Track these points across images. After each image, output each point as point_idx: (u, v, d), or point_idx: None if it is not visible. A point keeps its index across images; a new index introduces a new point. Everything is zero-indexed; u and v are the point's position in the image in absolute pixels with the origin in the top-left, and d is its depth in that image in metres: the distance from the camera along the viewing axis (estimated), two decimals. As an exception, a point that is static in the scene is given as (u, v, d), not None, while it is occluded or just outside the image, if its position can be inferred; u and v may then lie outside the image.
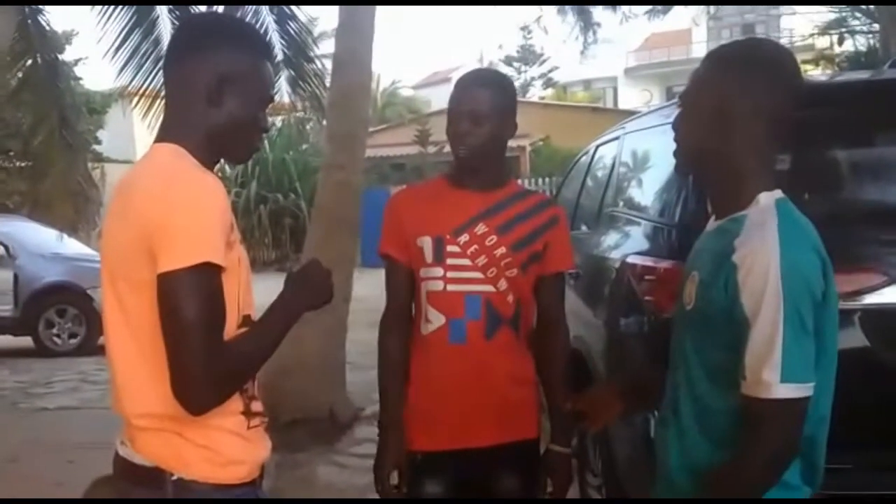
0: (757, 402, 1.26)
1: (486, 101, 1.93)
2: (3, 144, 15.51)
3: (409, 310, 2.06)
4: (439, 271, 1.96)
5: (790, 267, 1.24)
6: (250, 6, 7.41)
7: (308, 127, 16.72)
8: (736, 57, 1.41)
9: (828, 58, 9.48)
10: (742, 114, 1.35)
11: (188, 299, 1.21)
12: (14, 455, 4.57)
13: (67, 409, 5.93)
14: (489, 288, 1.95)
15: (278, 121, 17.29)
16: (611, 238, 3.26)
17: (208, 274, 1.23)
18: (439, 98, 29.49)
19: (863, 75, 3.89)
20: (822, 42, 10.61)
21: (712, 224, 1.47)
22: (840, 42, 9.05)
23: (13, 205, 15.58)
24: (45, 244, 8.81)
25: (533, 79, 30.70)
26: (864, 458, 2.14)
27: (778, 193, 1.37)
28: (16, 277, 8.48)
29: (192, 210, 1.24)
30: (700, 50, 28.08)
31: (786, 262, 1.24)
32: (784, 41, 12.57)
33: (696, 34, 26.42)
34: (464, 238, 1.95)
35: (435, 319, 1.98)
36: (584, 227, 3.92)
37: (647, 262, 2.58)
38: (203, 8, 7.08)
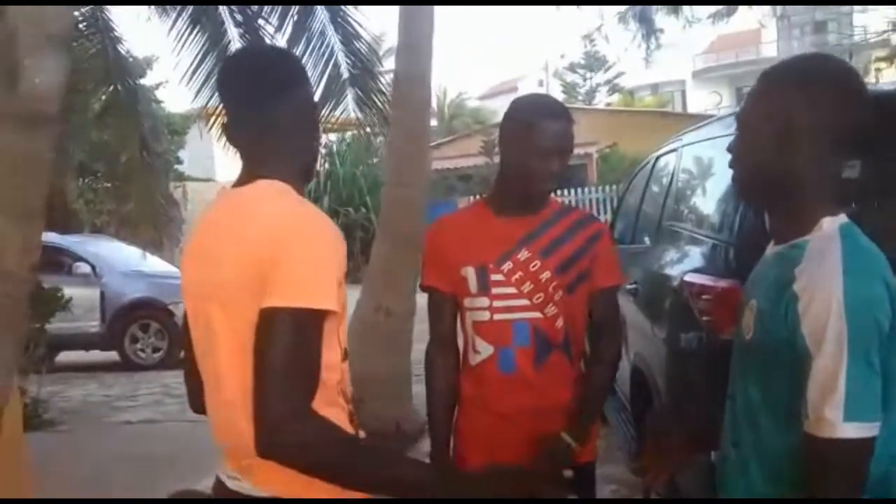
0: (819, 442, 1.18)
1: (570, 135, 1.95)
2: (91, 166, 16.27)
3: (455, 338, 2.07)
4: (485, 301, 1.95)
5: (855, 298, 1.17)
6: (317, 29, 7.66)
7: (378, 141, 17.04)
8: (797, 74, 1.33)
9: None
10: (806, 133, 1.28)
11: (286, 340, 1.20)
12: (101, 468, 4.78)
13: (150, 422, 6.19)
14: (537, 314, 1.94)
15: (348, 136, 17.66)
16: (670, 253, 3.25)
17: (312, 320, 1.23)
18: (505, 108, 29.28)
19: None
20: (899, 38, 10.22)
21: (772, 249, 1.40)
22: (918, 38, 8.73)
23: (100, 224, 16.33)
24: (128, 262, 9.24)
25: (599, 85, 30.36)
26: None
27: (843, 218, 1.29)
28: (102, 295, 8.90)
29: (314, 254, 1.26)
30: (770, 50, 27.29)
31: (850, 293, 1.17)
32: (857, 39, 12.12)
33: (765, 34, 25.69)
34: (507, 266, 1.94)
35: (483, 350, 1.98)
36: (646, 240, 3.90)
37: (705, 280, 2.56)
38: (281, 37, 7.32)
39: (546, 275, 1.94)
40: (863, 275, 1.20)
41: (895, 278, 1.23)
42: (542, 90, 30.49)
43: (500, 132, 2.00)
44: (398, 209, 5.64)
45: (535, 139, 1.90)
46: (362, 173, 17.26)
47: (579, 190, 17.13)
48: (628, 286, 3.67)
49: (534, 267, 1.94)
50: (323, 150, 18.24)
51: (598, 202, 16.38)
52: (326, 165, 18.03)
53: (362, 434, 1.39)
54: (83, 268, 8.99)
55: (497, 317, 1.95)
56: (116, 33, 7.93)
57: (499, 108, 28.96)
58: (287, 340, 1.20)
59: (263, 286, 1.24)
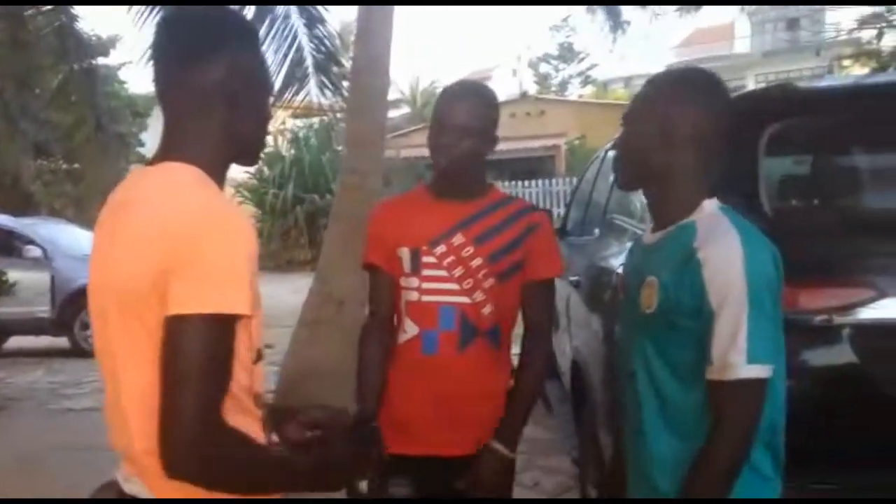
0: (724, 385, 1.38)
1: (470, 114, 1.94)
2: (49, 147, 15.96)
3: (392, 319, 2.07)
4: (415, 282, 1.98)
5: (753, 259, 1.38)
6: (280, 11, 7.52)
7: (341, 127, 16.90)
8: (675, 82, 1.57)
9: (868, 53, 9.21)
10: (683, 131, 1.50)
11: (198, 348, 1.10)
12: (36, 455, 4.69)
13: (92, 410, 6.06)
14: (464, 299, 1.95)
15: (315, 122, 17.50)
16: (611, 246, 3.22)
17: (224, 327, 1.13)
18: (478, 97, 29.49)
19: (870, 79, 3.77)
20: (867, 36, 10.31)
21: (652, 236, 1.59)
22: (879, 37, 8.78)
23: (59, 206, 16.04)
24: (81, 246, 9.00)
25: (571, 76, 30.46)
26: (854, 477, 2.08)
27: (717, 202, 1.51)
28: (52, 279, 8.69)
29: (223, 253, 1.14)
30: (743, 45, 27.57)
31: (748, 255, 1.38)
32: (829, 35, 12.22)
33: (738, 29, 25.88)
34: (440, 249, 1.96)
35: (409, 329, 2.00)
36: (595, 232, 3.88)
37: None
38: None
39: (477, 261, 1.95)
40: (755, 240, 1.42)
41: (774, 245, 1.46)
42: (514, 80, 30.53)
43: None
44: (352, 197, 5.56)
45: (436, 116, 1.97)
46: (328, 160, 17.08)
47: (546, 181, 17.16)
48: (571, 278, 3.65)
49: (466, 252, 1.96)
50: (288, 136, 18.09)
51: (564, 194, 16.43)
52: (292, 151, 17.86)
53: (274, 438, 1.33)
54: (34, 251, 8.76)
55: (425, 298, 1.97)
56: (74, 11, 7.75)
57: (471, 97, 28.90)
58: (198, 350, 1.10)
59: (163, 290, 1.13)
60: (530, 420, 2.07)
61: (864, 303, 2.08)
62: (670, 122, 1.49)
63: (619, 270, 2.71)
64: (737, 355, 1.35)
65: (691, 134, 1.49)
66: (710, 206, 1.50)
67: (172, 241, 1.13)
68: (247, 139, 1.32)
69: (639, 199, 3.18)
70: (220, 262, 1.13)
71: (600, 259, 3.25)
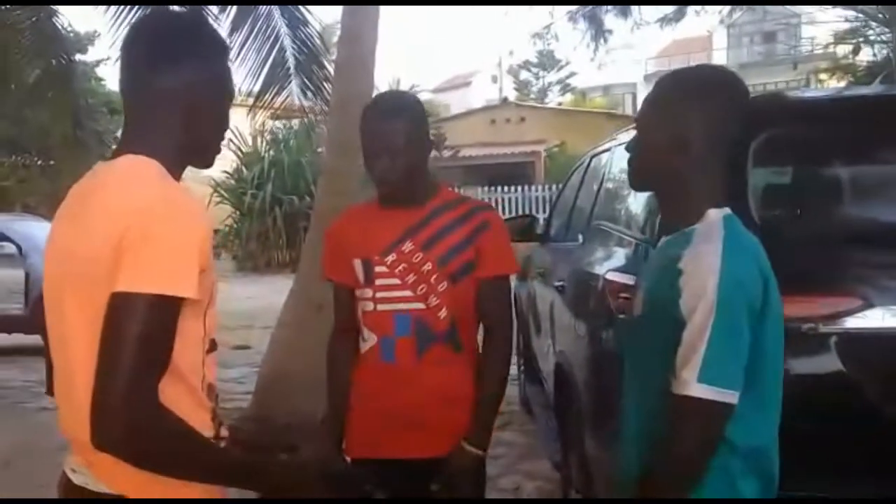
0: (675, 399, 1.32)
1: (399, 134, 1.91)
2: (24, 144, 15.71)
3: (355, 329, 2.09)
4: (369, 292, 2.01)
5: (729, 274, 1.30)
6: (262, 11, 7.47)
7: (325, 129, 16.80)
8: (689, 84, 1.48)
9: (844, 68, 9.36)
10: (694, 137, 1.43)
11: (137, 326, 1.12)
12: (9, 454, 4.61)
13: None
14: (419, 305, 1.97)
15: (295, 124, 17.40)
16: (596, 252, 3.23)
17: (166, 308, 1.15)
18: (458, 102, 29.80)
19: (855, 91, 3.83)
20: (843, 51, 10.47)
21: (662, 241, 1.54)
22: (856, 52, 8.93)
23: (34, 203, 15.80)
24: (56, 244, 8.88)
25: (551, 84, 30.63)
26: (840, 486, 2.09)
27: (726, 210, 1.44)
28: (27, 276, 8.56)
29: (171, 236, 1.17)
30: (720, 57, 27.87)
31: (725, 269, 1.30)
32: (804, 50, 12.42)
33: (716, 42, 26.16)
34: (391, 258, 1.98)
35: (368, 338, 2.03)
36: (579, 238, 3.88)
37: (625, 279, 2.54)
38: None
39: (427, 266, 1.97)
40: (739, 256, 1.35)
41: (768, 265, 1.39)
42: (494, 87, 30.64)
43: None
44: (333, 200, 5.52)
45: (363, 142, 1.96)
46: (308, 162, 17.00)
47: (525, 187, 17.22)
48: (556, 283, 3.65)
49: (416, 259, 1.97)
50: (268, 137, 17.98)
51: (543, 200, 16.50)
52: (272, 153, 17.76)
53: (224, 432, 1.33)
54: (8, 248, 8.64)
55: (380, 307, 2.00)
56: (52, 6, 7.65)
57: (451, 101, 29.02)
58: (136, 328, 1.12)
59: (114, 272, 1.15)
60: (510, 424, 2.10)
61: (851, 312, 2.10)
62: (681, 127, 1.43)
63: (606, 275, 2.73)
64: (690, 371, 1.30)
65: (703, 139, 1.43)
66: (716, 215, 1.43)
67: (129, 220, 1.16)
68: (203, 144, 1.37)
69: (624, 206, 3.20)
70: (171, 244, 1.16)
71: (585, 264, 3.25)
